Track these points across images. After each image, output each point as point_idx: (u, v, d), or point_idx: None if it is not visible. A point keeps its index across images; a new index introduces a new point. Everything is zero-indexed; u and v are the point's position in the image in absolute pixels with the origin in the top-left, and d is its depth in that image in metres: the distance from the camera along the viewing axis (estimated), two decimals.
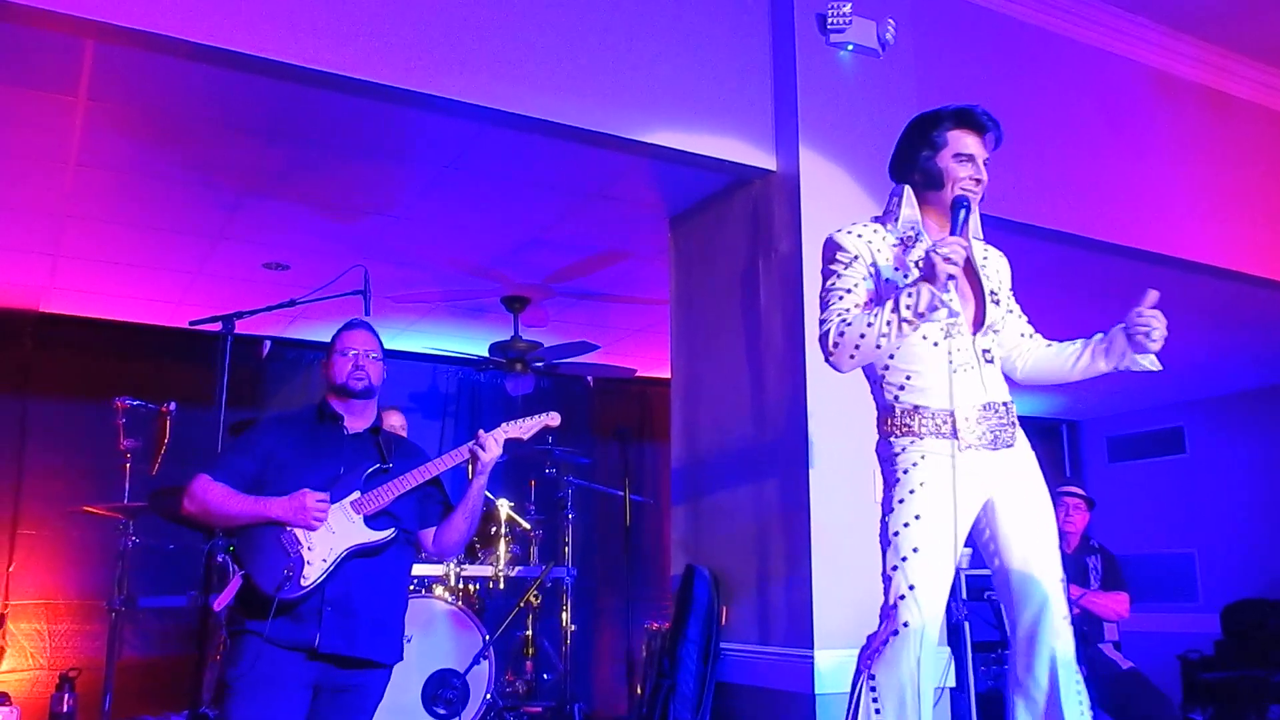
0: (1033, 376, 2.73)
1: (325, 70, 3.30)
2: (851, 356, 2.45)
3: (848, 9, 3.92)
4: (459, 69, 3.50)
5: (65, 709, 5.08)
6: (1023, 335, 2.74)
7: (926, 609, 2.37)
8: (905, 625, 2.36)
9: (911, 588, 2.37)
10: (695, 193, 4.35)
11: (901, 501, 2.45)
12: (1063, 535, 4.85)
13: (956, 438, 2.45)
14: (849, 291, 2.50)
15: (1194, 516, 8.08)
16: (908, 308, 2.35)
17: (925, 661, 2.36)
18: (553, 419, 3.13)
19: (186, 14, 3.11)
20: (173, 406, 5.01)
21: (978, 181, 2.54)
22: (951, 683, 3.69)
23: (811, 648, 3.51)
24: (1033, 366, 2.72)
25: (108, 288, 5.74)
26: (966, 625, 4.14)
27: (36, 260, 5.27)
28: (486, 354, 6.40)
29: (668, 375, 4.59)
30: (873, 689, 2.41)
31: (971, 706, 4.04)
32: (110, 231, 4.95)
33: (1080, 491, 4.97)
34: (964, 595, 4.27)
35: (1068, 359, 2.65)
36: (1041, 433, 8.82)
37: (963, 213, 2.49)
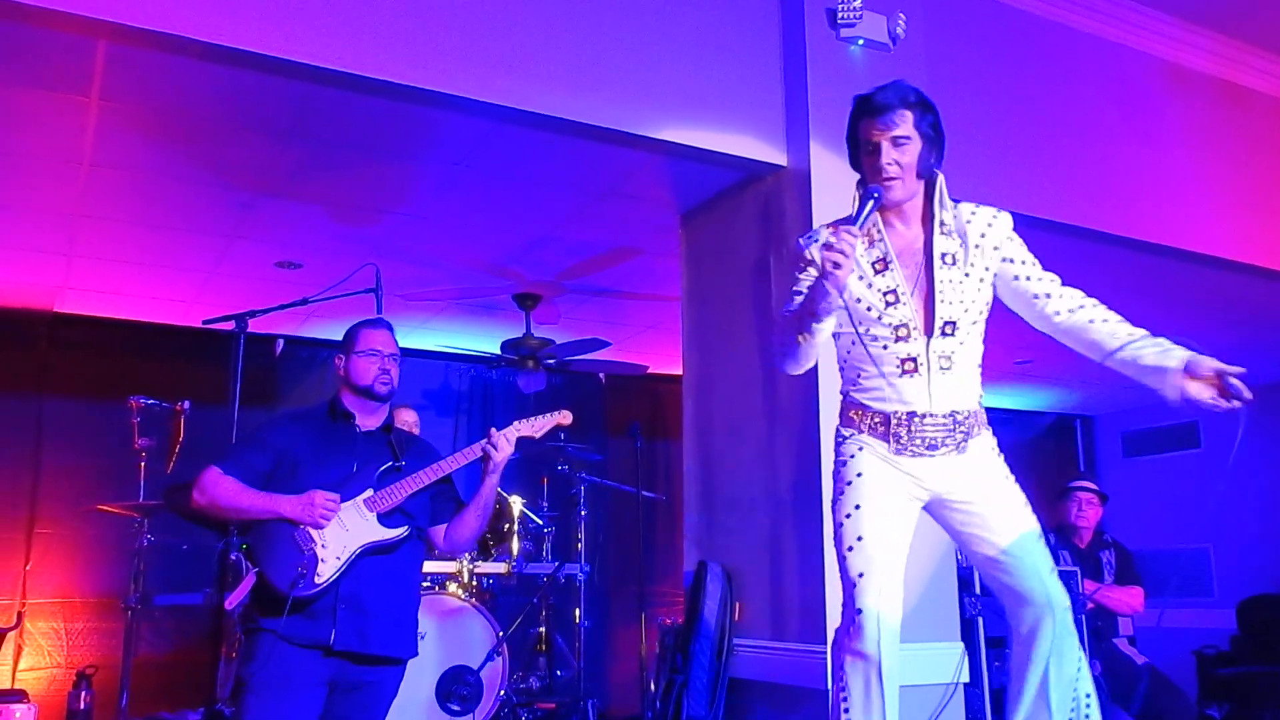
0: (1066, 339, 2.57)
1: (337, 69, 3.31)
2: (783, 358, 2.54)
3: (858, 3, 3.91)
4: (470, 67, 3.50)
5: (82, 706, 5.11)
6: (1037, 297, 2.53)
7: (878, 594, 2.39)
8: (860, 612, 2.39)
9: (861, 575, 2.40)
10: (706, 189, 4.35)
11: (842, 493, 2.50)
12: (1076, 530, 4.86)
13: (887, 442, 2.47)
14: (792, 297, 2.53)
15: (1209, 511, 8.03)
16: (803, 307, 2.41)
17: (886, 650, 2.37)
18: (564, 417, 3.13)
19: (198, 14, 3.12)
20: (187, 405, 5.03)
21: (885, 167, 2.41)
22: (965, 678, 3.69)
23: (824, 643, 3.50)
24: (1066, 332, 2.55)
25: (122, 287, 5.77)
26: (980, 620, 4.13)
27: (51, 260, 5.30)
28: (499, 351, 6.41)
29: (680, 372, 4.59)
30: (840, 679, 2.43)
31: (986, 702, 4.03)
32: (124, 231, 4.98)
33: (1093, 486, 4.96)
34: (978, 590, 4.26)
35: (1110, 343, 2.50)
36: (1056, 428, 8.77)
37: (870, 203, 2.40)
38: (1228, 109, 5.28)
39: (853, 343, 2.51)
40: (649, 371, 6.96)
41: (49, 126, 3.86)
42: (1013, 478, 2.52)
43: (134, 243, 5.11)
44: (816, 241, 2.49)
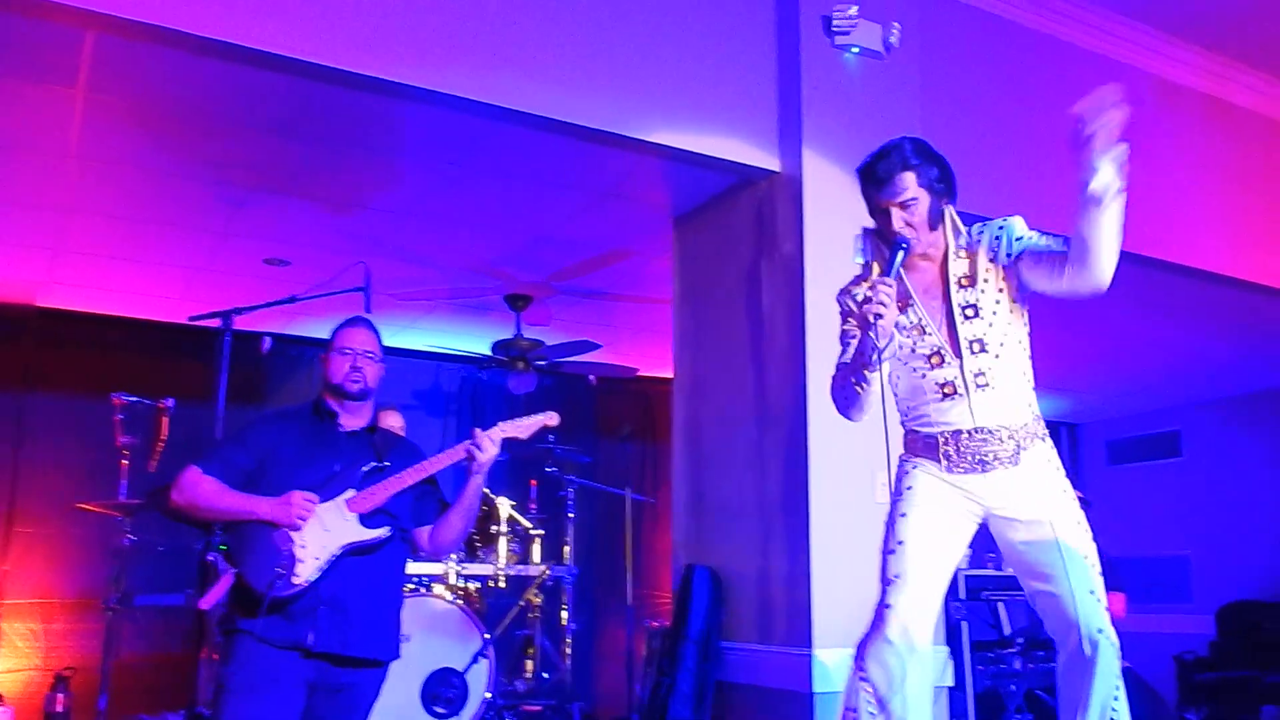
0: (1082, 278, 2.50)
1: (331, 66, 3.30)
2: (845, 407, 2.64)
3: (853, 11, 3.93)
4: (464, 66, 3.50)
5: (60, 709, 5.05)
6: (1048, 268, 2.50)
7: (911, 596, 2.46)
8: (889, 608, 2.46)
9: (897, 575, 2.49)
10: (700, 193, 4.35)
11: (895, 504, 2.60)
12: None
13: (938, 462, 2.55)
14: (843, 348, 2.63)
15: (1190, 519, 8.11)
16: (852, 359, 2.53)
17: (910, 650, 2.42)
18: (551, 418, 3.10)
19: (189, 7, 3.10)
20: (171, 403, 4.99)
21: (899, 231, 2.51)
22: (949, 681, 3.70)
23: (810, 647, 3.53)
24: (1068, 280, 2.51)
25: (107, 282, 5.72)
26: (965, 625, 4.15)
27: (36, 254, 5.26)
28: (489, 352, 6.39)
29: (670, 375, 4.59)
30: (862, 674, 2.47)
31: (969, 705, 4.05)
32: (110, 226, 4.94)
33: (1078, 493, 4.98)
34: (962, 595, 4.28)
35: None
36: None
37: (900, 254, 2.50)
38: (1215, 123, 5.33)
39: (898, 377, 2.63)
40: (639, 374, 6.96)
41: (34, 118, 3.82)
42: (1072, 493, 2.57)
43: (120, 238, 5.07)
44: (850, 295, 2.61)
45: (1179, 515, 8.18)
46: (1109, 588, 4.73)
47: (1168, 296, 5.60)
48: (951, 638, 3.93)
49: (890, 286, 2.42)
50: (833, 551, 3.60)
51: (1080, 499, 4.86)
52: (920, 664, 2.44)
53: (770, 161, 4.01)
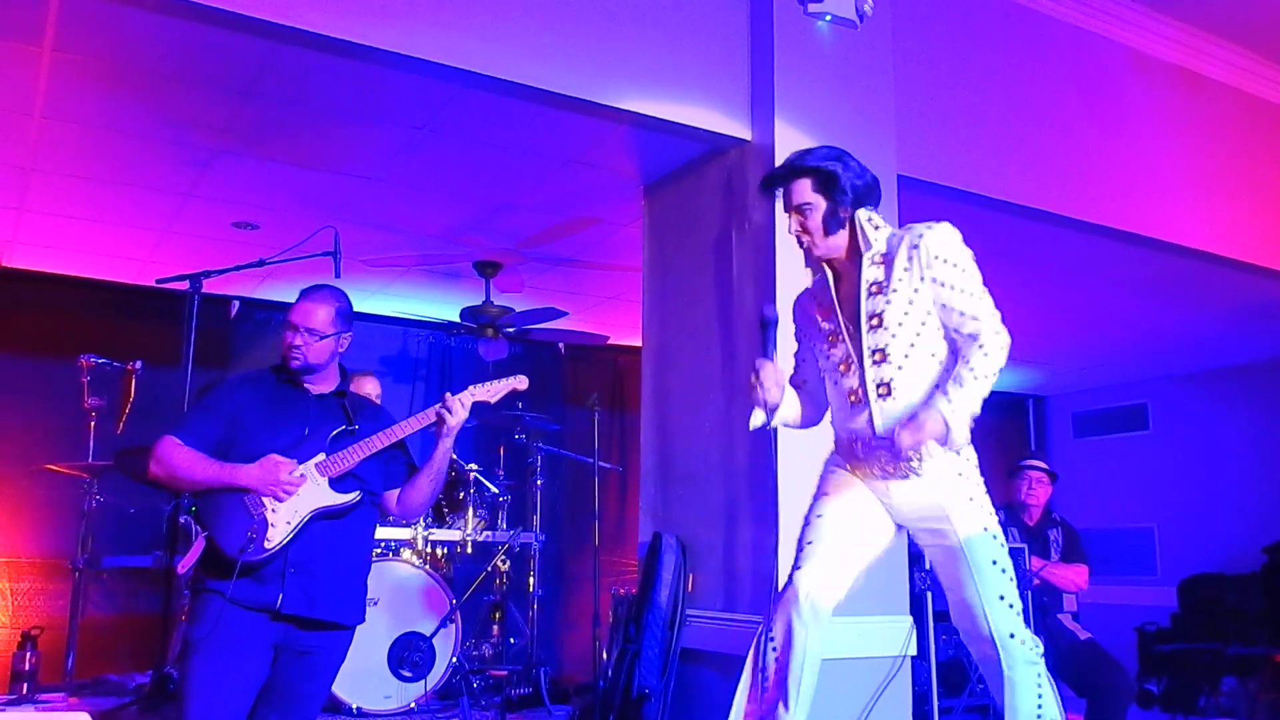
0: None
1: (299, 27, 3.24)
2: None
3: None
4: (435, 29, 3.45)
5: (27, 667, 5.04)
6: (953, 330, 2.54)
7: (815, 564, 2.56)
8: (796, 568, 2.59)
9: (809, 543, 2.62)
10: (670, 161, 4.33)
11: (818, 486, 2.76)
12: (1025, 508, 4.93)
13: (847, 465, 2.67)
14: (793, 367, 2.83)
15: (1155, 492, 8.20)
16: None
17: (807, 617, 2.51)
18: (520, 382, 3.11)
19: None
20: (138, 365, 4.97)
21: (796, 237, 2.63)
22: (913, 651, 3.75)
23: None
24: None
25: (73, 243, 5.65)
26: (929, 595, 4.19)
27: (0, 214, 5.19)
28: (458, 319, 6.37)
29: (639, 343, 4.59)
30: (769, 635, 2.58)
31: (933, 674, 4.10)
32: (76, 186, 4.87)
33: (1043, 465, 5.03)
34: (928, 565, 4.33)
35: None
36: (1008, 407, 8.89)
37: (769, 331, 2.66)
38: (1188, 96, 5.34)
39: (822, 382, 2.73)
40: (609, 342, 6.96)
41: None
42: (979, 499, 2.58)
43: (86, 198, 5.01)
44: (802, 308, 2.78)
45: (1144, 488, 8.28)
46: (1073, 559, 4.82)
47: (1138, 270, 5.63)
48: (915, 607, 3.97)
49: (769, 368, 2.59)
50: (800, 521, 3.61)
51: (1046, 471, 4.94)
52: (821, 629, 2.53)
53: (742, 130, 3.99)
